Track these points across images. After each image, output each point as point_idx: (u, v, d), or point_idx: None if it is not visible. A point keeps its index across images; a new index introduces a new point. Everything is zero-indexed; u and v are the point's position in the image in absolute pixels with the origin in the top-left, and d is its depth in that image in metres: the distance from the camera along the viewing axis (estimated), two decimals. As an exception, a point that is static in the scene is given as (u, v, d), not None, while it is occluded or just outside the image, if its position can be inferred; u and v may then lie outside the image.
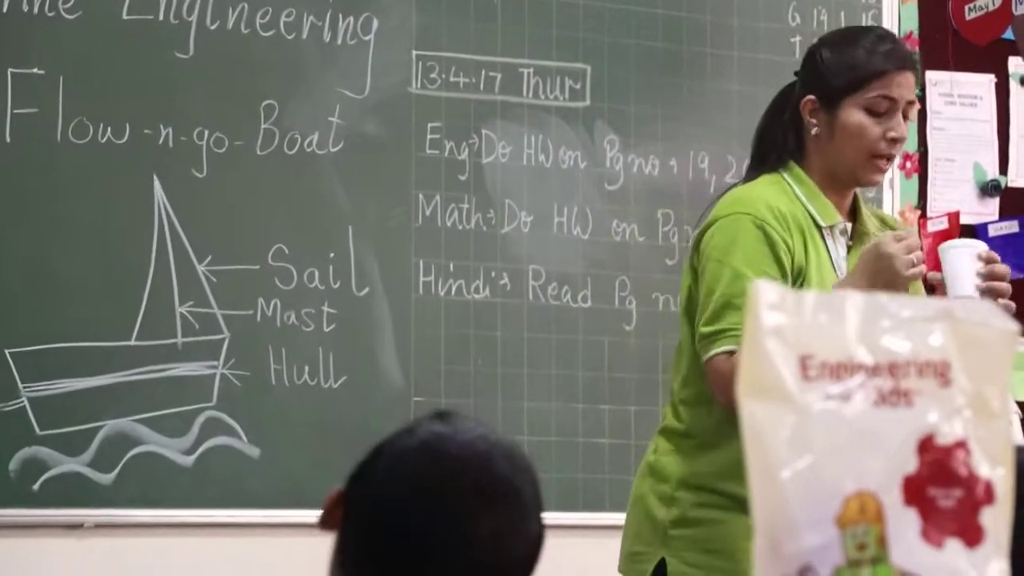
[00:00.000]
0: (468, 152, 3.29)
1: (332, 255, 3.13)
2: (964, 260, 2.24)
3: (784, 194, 2.36)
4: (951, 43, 3.67)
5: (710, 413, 2.32)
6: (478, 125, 3.31)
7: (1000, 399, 1.05)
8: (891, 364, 1.01)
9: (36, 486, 2.89)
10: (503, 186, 3.34)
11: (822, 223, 2.37)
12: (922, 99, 3.39)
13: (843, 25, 3.45)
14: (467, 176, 3.29)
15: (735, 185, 2.50)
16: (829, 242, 2.39)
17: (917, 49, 3.51)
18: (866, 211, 2.49)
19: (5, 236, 2.93)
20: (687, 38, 3.48)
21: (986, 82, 3.74)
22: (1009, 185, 3.81)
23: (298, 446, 3.09)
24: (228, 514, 3.04)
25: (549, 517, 1.23)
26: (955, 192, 3.70)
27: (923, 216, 3.51)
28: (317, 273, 3.11)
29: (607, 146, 3.41)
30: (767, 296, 1.00)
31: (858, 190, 2.47)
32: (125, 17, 3.01)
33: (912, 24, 3.71)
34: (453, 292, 3.24)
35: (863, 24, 3.52)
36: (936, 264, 2.28)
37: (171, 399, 2.99)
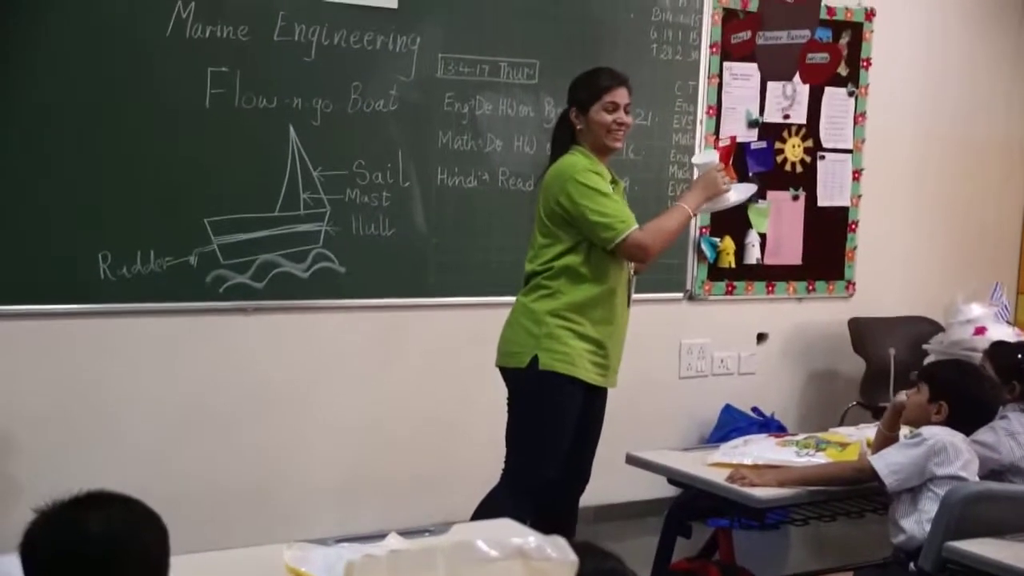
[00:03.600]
0: (468, 108, 5.14)
1: (389, 165, 4.89)
2: (709, 157, 3.99)
3: (588, 157, 3.78)
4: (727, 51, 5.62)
5: (570, 279, 3.73)
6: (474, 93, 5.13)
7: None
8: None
9: (221, 290, 4.55)
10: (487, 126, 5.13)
11: (606, 175, 3.79)
12: (720, 74, 5.69)
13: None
14: (466, 122, 5.16)
15: (554, 159, 3.82)
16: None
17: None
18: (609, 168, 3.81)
19: (214, 160, 4.46)
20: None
21: (752, 69, 5.79)
22: (763, 121, 6.01)
23: (367, 266, 4.84)
24: (327, 302, 4.83)
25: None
26: (734, 125, 5.88)
27: (716, 137, 5.62)
28: (380, 174, 4.85)
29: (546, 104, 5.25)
30: (362, 570, 1.47)
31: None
32: (275, 39, 4.67)
33: (716, 37, 5.74)
34: (454, 184, 5.12)
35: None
36: (727, 158, 3.92)
37: (297, 242, 4.67)
